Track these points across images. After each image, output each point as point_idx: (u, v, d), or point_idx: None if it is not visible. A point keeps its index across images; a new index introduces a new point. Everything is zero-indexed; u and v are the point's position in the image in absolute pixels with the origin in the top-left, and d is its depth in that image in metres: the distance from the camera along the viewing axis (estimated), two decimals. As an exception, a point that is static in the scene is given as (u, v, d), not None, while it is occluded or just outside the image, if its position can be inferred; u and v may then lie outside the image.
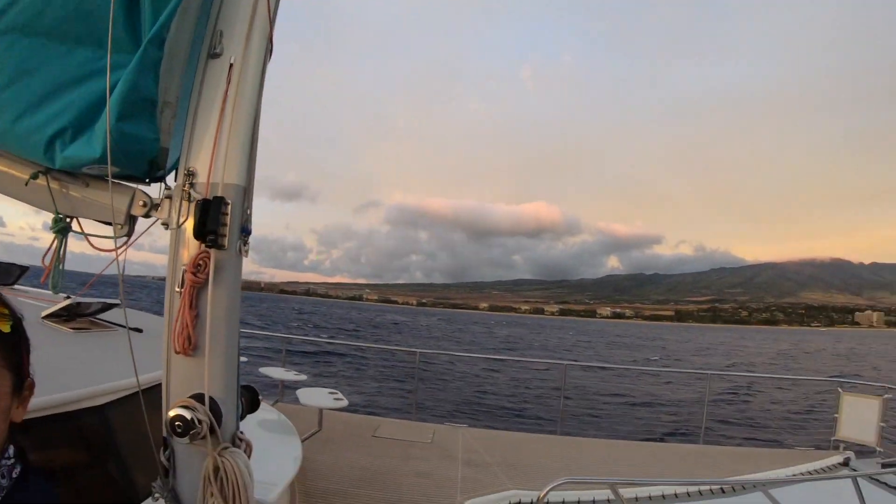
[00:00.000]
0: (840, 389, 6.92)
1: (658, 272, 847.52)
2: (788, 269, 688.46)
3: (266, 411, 3.29)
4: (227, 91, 1.14)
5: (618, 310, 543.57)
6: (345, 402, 5.23)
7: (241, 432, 1.21)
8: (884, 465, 6.09)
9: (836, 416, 6.86)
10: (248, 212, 1.22)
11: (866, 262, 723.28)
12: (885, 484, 5.76)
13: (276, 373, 6.59)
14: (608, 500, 4.26)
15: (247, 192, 1.19)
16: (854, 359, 50.08)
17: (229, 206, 1.11)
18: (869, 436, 6.53)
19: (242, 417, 1.24)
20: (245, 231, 1.19)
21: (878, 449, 6.42)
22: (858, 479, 6.13)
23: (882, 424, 6.46)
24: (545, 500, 2.48)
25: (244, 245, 1.18)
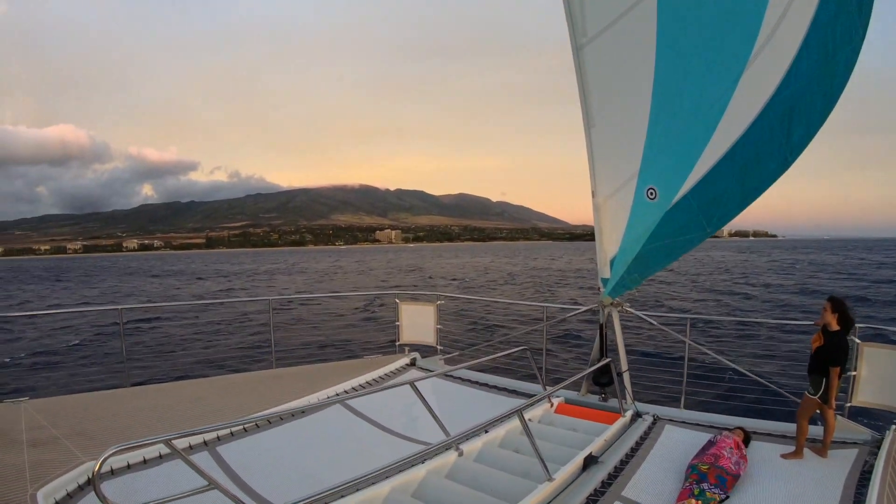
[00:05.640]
0: (397, 300, 7.48)
1: (195, 199, 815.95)
2: (322, 194, 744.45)
3: None
4: None
5: (146, 241, 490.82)
6: None
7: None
8: (445, 361, 6.86)
9: (397, 323, 7.44)
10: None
11: (392, 188, 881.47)
12: (449, 375, 6.43)
13: None
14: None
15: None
16: (375, 273, 58.88)
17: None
18: (429, 337, 7.29)
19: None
20: None
21: (438, 347, 7.23)
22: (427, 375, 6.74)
23: (438, 327, 7.29)
24: (99, 474, 2.11)
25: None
